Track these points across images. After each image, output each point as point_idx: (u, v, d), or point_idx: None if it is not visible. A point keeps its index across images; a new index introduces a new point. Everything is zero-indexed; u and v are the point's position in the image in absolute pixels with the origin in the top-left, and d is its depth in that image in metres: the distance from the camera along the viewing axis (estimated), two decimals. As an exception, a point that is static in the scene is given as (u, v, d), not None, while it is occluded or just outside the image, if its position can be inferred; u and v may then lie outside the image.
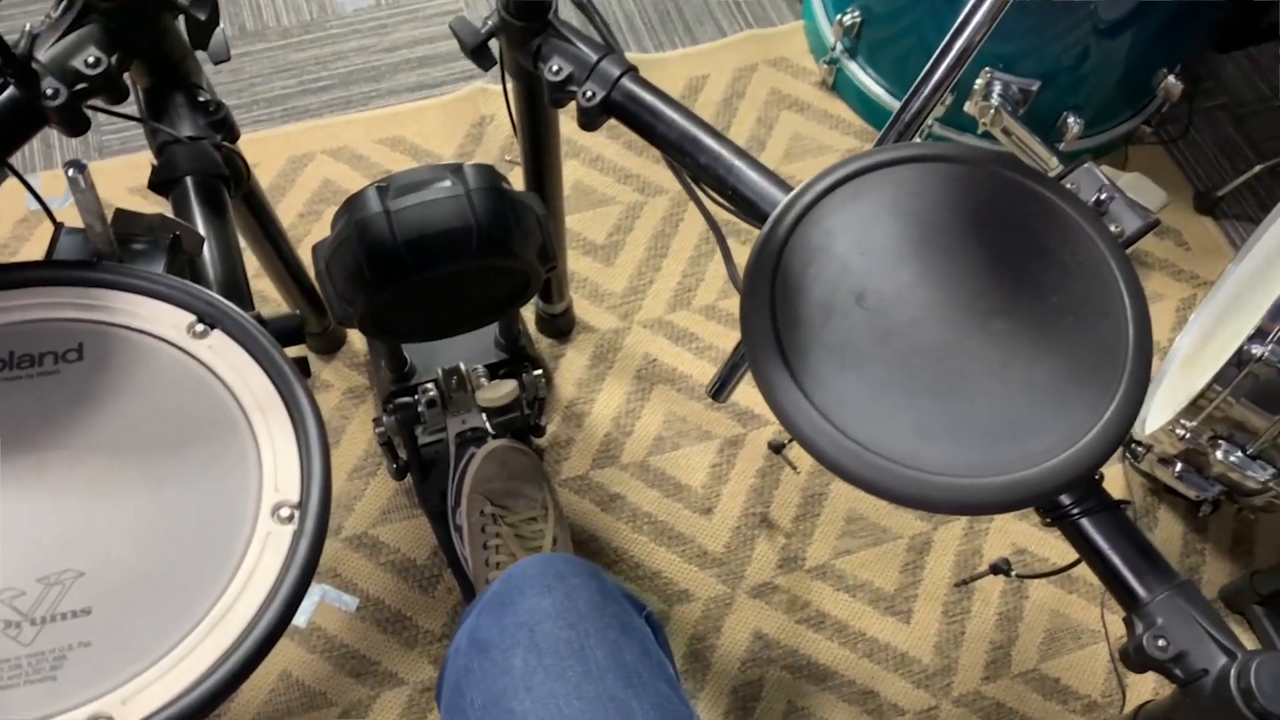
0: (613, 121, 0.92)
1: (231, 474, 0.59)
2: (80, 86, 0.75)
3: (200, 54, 0.89)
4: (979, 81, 1.47)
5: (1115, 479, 1.41)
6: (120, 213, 0.66)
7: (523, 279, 1.00)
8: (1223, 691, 0.63)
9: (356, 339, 1.43)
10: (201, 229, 0.80)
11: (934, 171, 0.72)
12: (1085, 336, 0.67)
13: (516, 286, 1.02)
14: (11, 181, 0.74)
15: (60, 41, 0.76)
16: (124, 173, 1.50)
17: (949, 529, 1.35)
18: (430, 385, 1.17)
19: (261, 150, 1.55)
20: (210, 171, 0.84)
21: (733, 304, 1.48)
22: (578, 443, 1.38)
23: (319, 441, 0.59)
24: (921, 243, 0.70)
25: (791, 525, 1.35)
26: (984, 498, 0.64)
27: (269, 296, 1.40)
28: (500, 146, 1.59)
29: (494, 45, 0.97)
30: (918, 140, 1.61)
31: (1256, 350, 1.10)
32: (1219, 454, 1.19)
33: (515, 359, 1.25)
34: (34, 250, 1.45)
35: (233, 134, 0.91)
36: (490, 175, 0.95)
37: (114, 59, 0.77)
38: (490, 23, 0.94)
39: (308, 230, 1.49)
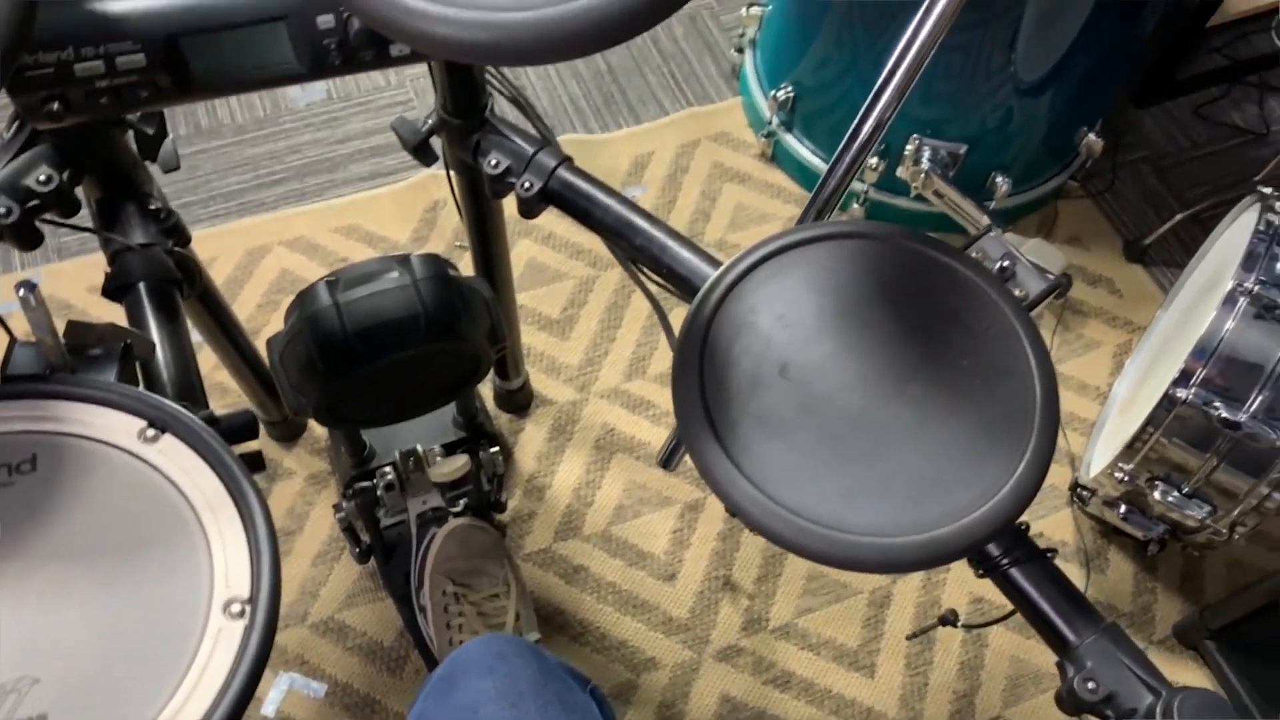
0: (555, 205, 0.96)
1: (183, 574, 0.61)
2: (32, 204, 0.79)
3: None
4: (909, 147, 1.53)
5: (1064, 523, 1.44)
6: (72, 325, 0.69)
7: (473, 361, 1.04)
8: (1149, 728, 0.66)
9: (317, 425, 1.45)
10: (154, 333, 0.83)
11: (847, 247, 0.77)
12: (996, 396, 0.71)
13: (468, 368, 1.05)
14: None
15: (12, 162, 0.79)
16: (83, 273, 1.53)
17: (907, 582, 1.38)
18: (388, 468, 1.19)
19: (219, 244, 1.58)
20: (162, 276, 0.88)
21: (686, 371, 1.51)
22: (540, 516, 1.40)
23: (267, 536, 0.62)
24: (839, 315, 0.74)
25: (754, 586, 1.37)
26: (910, 555, 0.67)
27: (229, 388, 1.42)
28: (454, 230, 1.63)
29: (437, 141, 1.02)
30: (853, 214, 1.68)
31: (1181, 393, 1.15)
32: (1157, 494, 1.23)
33: (474, 437, 1.28)
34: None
35: (184, 238, 0.95)
36: (436, 264, 0.99)
37: (65, 175, 0.80)
38: (430, 121, 0.99)
39: (266, 320, 1.52)
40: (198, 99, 0.74)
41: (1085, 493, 1.40)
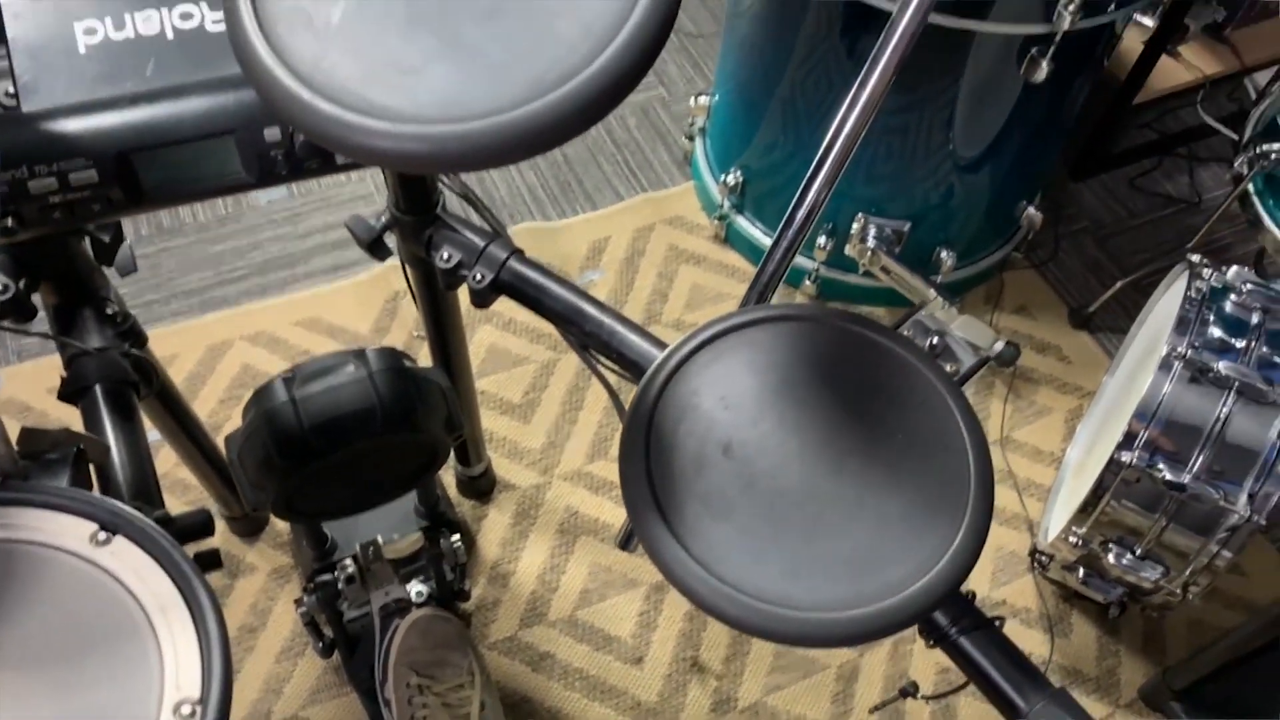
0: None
1: (134, 677, 0.61)
2: (-12, 312, 0.80)
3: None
4: (855, 225, 1.59)
5: (1027, 589, 1.46)
6: (26, 432, 0.70)
7: (430, 450, 1.05)
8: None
9: (278, 519, 1.45)
10: (109, 435, 0.84)
11: (784, 329, 0.79)
12: (931, 469, 0.73)
13: (425, 458, 1.06)
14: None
15: (-31, 272, 0.81)
16: (41, 374, 1.53)
17: (874, 654, 1.39)
18: (349, 560, 1.19)
19: (180, 342, 1.60)
20: (118, 378, 0.89)
21: (647, 451, 1.53)
22: (504, 603, 1.39)
23: (219, 635, 0.62)
24: (779, 394, 0.77)
25: (722, 666, 1.37)
26: (856, 629, 0.69)
27: (191, 484, 1.42)
28: (415, 319, 1.65)
29: (392, 237, 1.05)
30: (805, 291, 1.72)
31: (1126, 457, 1.18)
32: (1111, 557, 1.25)
33: (435, 525, 1.28)
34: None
35: (140, 340, 0.96)
36: (392, 356, 1.00)
37: (21, 284, 0.82)
38: (383, 219, 1.02)
39: (228, 416, 1.53)
40: (149, 210, 0.77)
41: (1045, 558, 1.42)
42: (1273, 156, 1.35)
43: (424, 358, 1.36)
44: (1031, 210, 1.70)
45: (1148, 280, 1.71)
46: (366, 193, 1.83)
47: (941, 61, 1.38)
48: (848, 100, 0.91)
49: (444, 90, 0.57)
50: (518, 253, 0.99)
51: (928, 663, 1.38)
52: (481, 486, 1.48)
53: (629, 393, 0.93)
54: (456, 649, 1.17)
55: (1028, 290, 1.79)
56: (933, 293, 1.52)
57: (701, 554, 0.70)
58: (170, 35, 0.73)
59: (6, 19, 0.70)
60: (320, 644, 1.24)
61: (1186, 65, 1.89)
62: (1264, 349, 1.19)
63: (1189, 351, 1.17)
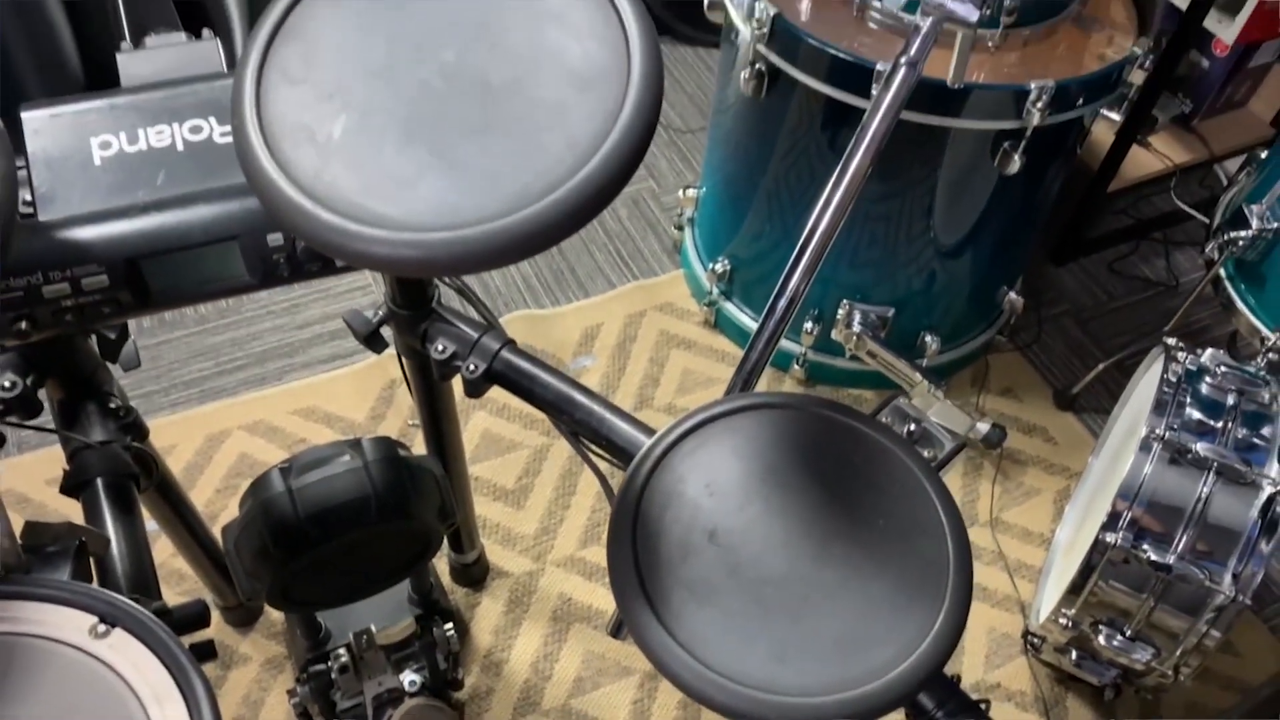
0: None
1: (128, 769, 0.62)
2: (-4, 409, 0.83)
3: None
4: (840, 311, 1.63)
5: (1021, 671, 1.46)
6: (29, 526, 0.72)
7: (424, 538, 1.07)
8: None
9: (272, 609, 1.45)
10: (110, 527, 0.86)
11: (767, 417, 0.82)
12: (911, 553, 0.75)
13: (419, 546, 1.08)
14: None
15: (-22, 369, 0.84)
16: (40, 466, 1.55)
17: (870, 740, 1.37)
18: (343, 650, 1.20)
19: (179, 431, 1.62)
20: (120, 472, 0.91)
21: (640, 536, 1.54)
22: (498, 692, 1.39)
23: (213, 727, 0.63)
24: (762, 481, 0.79)
25: (717, 754, 1.35)
26: (839, 712, 0.70)
27: (186, 574, 1.42)
28: (410, 407, 1.68)
29: (387, 329, 1.08)
30: (793, 375, 1.75)
31: (1110, 538, 1.19)
32: (1101, 639, 1.26)
33: (429, 613, 1.28)
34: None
35: (142, 433, 0.99)
36: (387, 446, 1.03)
37: (29, 381, 0.85)
38: (380, 313, 1.05)
39: (225, 505, 1.54)
40: (156, 311, 0.80)
41: (1037, 640, 1.42)
42: (1240, 243, 1.40)
43: (419, 445, 1.38)
44: (1013, 295, 1.74)
45: (1129, 361, 1.75)
46: (364, 283, 1.87)
47: (918, 154, 1.44)
48: (825, 193, 0.95)
49: (437, 200, 0.61)
50: (510, 343, 1.02)
51: (924, 748, 1.37)
52: (475, 574, 1.48)
53: (620, 478, 0.95)
54: (449, 739, 1.16)
55: (1013, 372, 1.82)
56: (919, 376, 1.55)
57: (688, 640, 0.71)
58: (180, 147, 0.77)
59: (27, 134, 0.74)
60: (312, 735, 1.24)
61: (1157, 154, 1.96)
62: (1241, 430, 1.22)
63: (1168, 433, 1.20)
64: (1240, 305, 1.44)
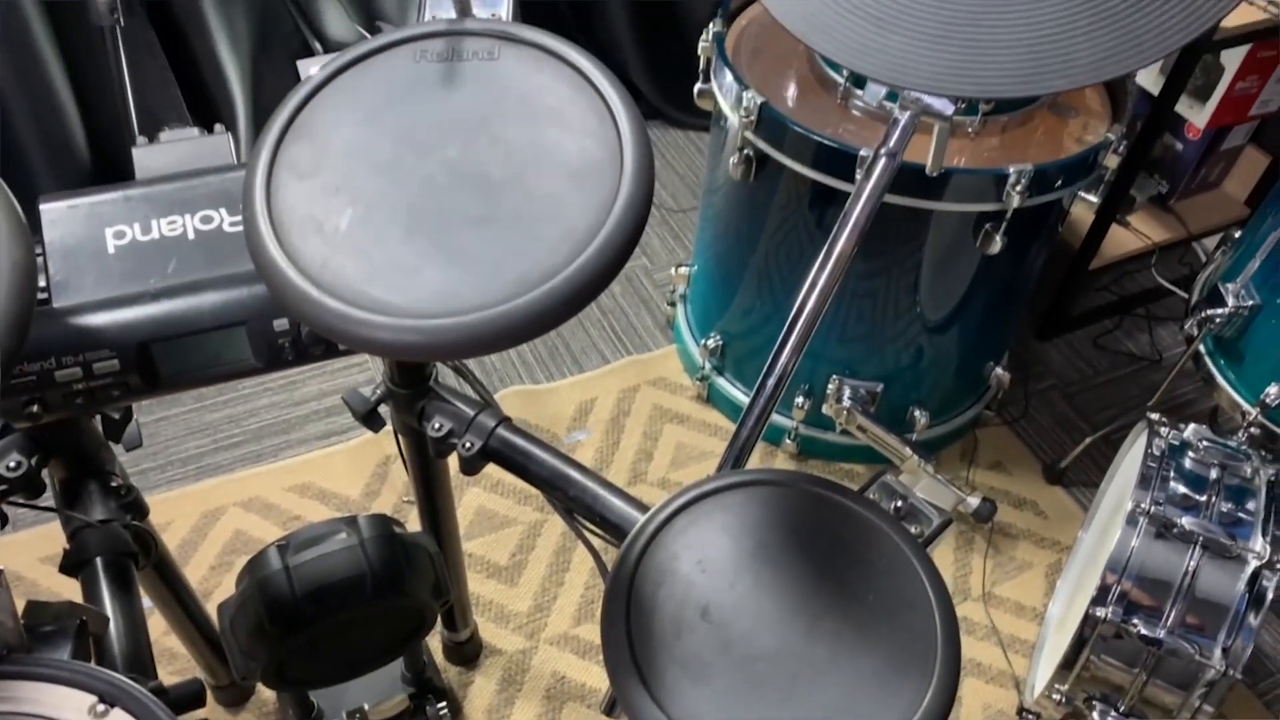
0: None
1: None
2: (0, 489, 0.84)
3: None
4: (830, 386, 1.65)
5: (1017, 749, 1.45)
6: (31, 605, 0.73)
7: (418, 616, 1.07)
8: None
9: (266, 688, 1.44)
10: (108, 606, 0.87)
11: (758, 494, 0.84)
12: (900, 628, 0.77)
13: (413, 624, 1.09)
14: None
15: (-15, 449, 0.85)
16: (35, 544, 1.55)
17: (867, 821, 1.36)
18: (335, 730, 1.19)
19: (175, 508, 1.62)
20: (119, 550, 0.92)
21: (634, 612, 1.54)
22: (491, 772, 1.38)
23: (210, 808, 0.64)
24: (754, 557, 0.81)
25: (712, 836, 1.34)
26: (833, 790, 0.70)
27: (178, 653, 1.42)
28: (404, 483, 1.69)
29: (385, 408, 1.10)
30: (785, 449, 1.77)
31: (1100, 612, 1.20)
32: (1096, 715, 1.26)
33: (421, 692, 1.28)
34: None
35: (142, 512, 1.00)
36: (383, 524, 1.04)
37: (34, 461, 0.87)
38: (378, 392, 1.08)
39: (219, 582, 1.54)
40: (163, 394, 0.82)
41: (1032, 716, 1.41)
42: (1217, 320, 1.43)
43: (413, 521, 1.39)
44: (999, 370, 1.77)
45: (1116, 435, 1.77)
46: (359, 360, 1.90)
47: (903, 234, 1.48)
48: (811, 274, 0.99)
49: (439, 287, 0.64)
50: (505, 421, 1.04)
51: (921, 829, 1.36)
52: (468, 652, 1.48)
53: (613, 555, 0.96)
54: (441, 821, 1.15)
55: (1002, 446, 1.84)
56: (909, 451, 1.57)
57: (681, 718, 0.72)
58: (191, 236, 0.81)
59: (45, 224, 0.77)
60: (303, 818, 1.22)
61: (1136, 233, 2.02)
62: (1225, 505, 1.24)
63: (1153, 507, 1.22)
64: (1220, 380, 1.47)
